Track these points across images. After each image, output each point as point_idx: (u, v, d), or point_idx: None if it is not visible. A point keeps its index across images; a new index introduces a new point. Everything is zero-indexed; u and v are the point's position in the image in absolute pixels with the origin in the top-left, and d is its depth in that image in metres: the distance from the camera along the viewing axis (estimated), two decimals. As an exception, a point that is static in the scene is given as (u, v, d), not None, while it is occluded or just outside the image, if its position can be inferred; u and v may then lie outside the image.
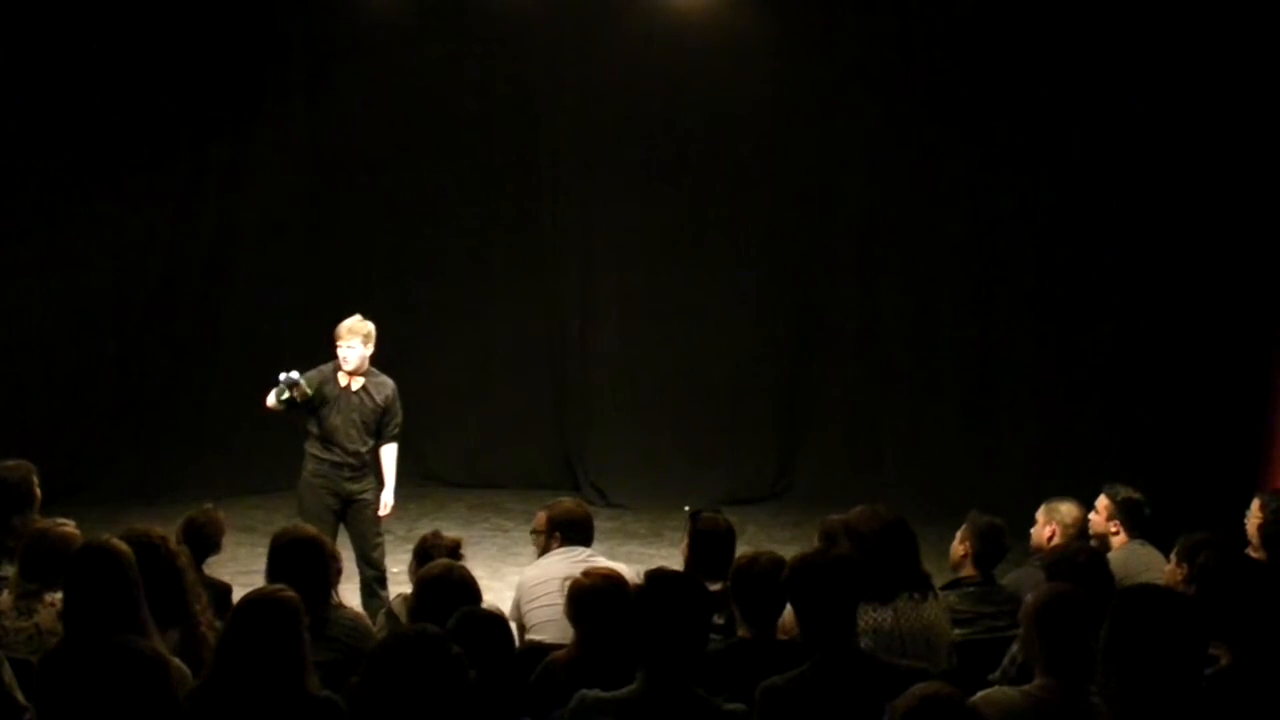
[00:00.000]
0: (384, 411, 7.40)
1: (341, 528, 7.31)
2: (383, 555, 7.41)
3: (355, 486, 7.35)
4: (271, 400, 7.28)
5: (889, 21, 10.35)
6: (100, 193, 10.13)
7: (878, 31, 10.38)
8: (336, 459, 7.32)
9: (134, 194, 10.26)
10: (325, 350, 10.78)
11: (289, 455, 10.60)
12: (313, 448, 7.42)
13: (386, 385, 7.43)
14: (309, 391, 7.24)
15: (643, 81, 10.55)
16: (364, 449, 7.39)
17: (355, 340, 7.28)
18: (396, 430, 7.47)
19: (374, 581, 7.31)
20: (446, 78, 10.65)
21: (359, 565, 7.19)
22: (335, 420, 7.32)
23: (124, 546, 4.18)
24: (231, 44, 10.29)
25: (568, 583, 4.53)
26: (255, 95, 10.51)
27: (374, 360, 7.42)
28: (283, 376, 7.22)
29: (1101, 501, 6.11)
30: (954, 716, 3.12)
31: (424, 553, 5.32)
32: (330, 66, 10.67)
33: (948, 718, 3.11)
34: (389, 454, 7.49)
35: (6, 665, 3.98)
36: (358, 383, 7.36)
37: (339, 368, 7.33)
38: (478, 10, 10.41)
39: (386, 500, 7.49)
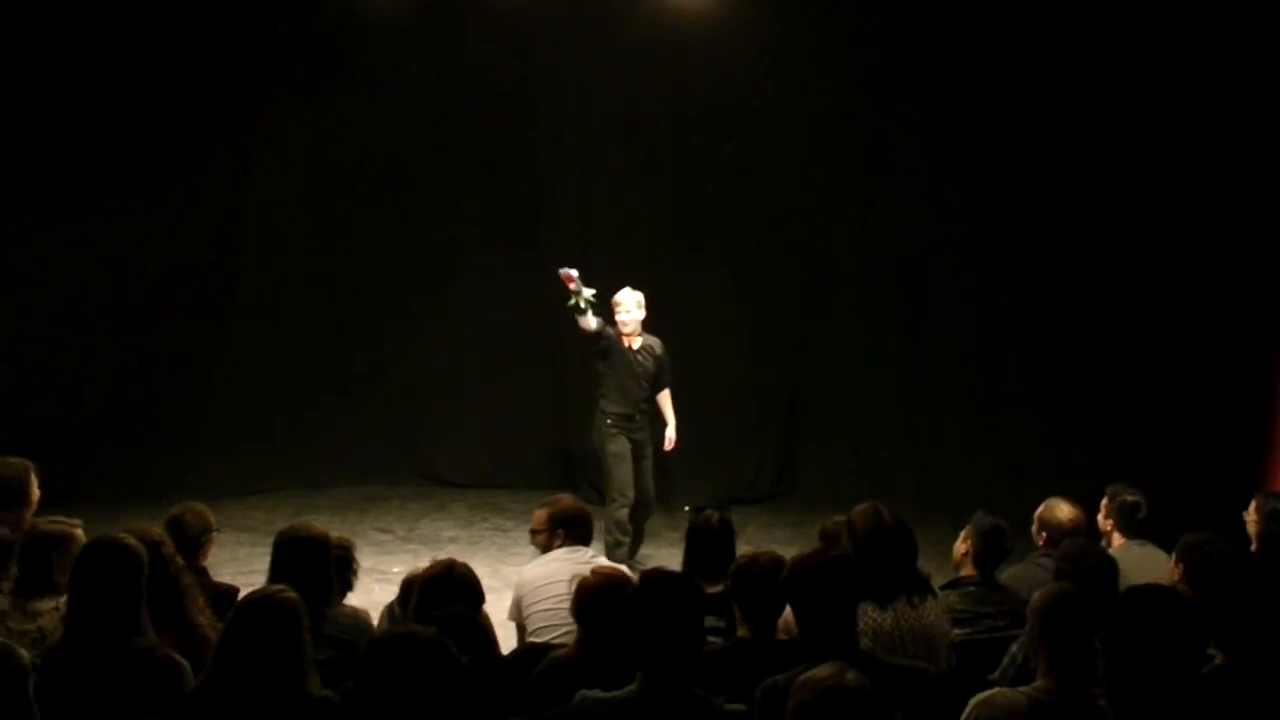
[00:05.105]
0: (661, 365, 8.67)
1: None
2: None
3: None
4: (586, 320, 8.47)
5: (889, 20, 10.34)
6: (101, 193, 10.12)
7: (878, 30, 10.36)
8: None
9: (134, 194, 10.25)
10: (324, 348, 10.92)
11: (289, 455, 10.71)
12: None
13: (658, 344, 8.70)
14: (587, 295, 8.43)
15: (643, 81, 10.54)
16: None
17: (632, 305, 8.53)
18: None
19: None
20: (446, 78, 10.64)
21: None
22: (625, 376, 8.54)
23: (137, 544, 4.13)
24: (232, 44, 10.27)
25: (576, 581, 4.53)
26: (255, 95, 10.50)
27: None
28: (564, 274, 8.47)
29: (1103, 502, 6.16)
30: (853, 709, 3.08)
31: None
32: (330, 66, 10.66)
33: (847, 710, 3.07)
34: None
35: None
36: (637, 343, 8.58)
37: (620, 333, 8.54)
38: (477, 10, 10.40)
39: (670, 435, 8.80)
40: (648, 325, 8.76)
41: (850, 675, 3.12)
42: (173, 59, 10.10)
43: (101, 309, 10.25)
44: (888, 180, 10.54)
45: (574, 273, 8.45)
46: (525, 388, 11.06)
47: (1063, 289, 10.21)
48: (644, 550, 8.84)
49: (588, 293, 8.47)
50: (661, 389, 8.77)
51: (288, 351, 10.78)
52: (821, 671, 3.15)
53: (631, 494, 8.53)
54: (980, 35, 10.10)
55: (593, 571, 4.60)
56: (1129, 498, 6.09)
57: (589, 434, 10.88)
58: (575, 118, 10.83)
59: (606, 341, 8.59)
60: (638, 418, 8.65)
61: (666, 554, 8.45)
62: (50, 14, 9.77)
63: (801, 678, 3.16)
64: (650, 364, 8.64)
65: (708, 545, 5.15)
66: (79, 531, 4.79)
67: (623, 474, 8.56)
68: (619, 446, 8.58)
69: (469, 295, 10.88)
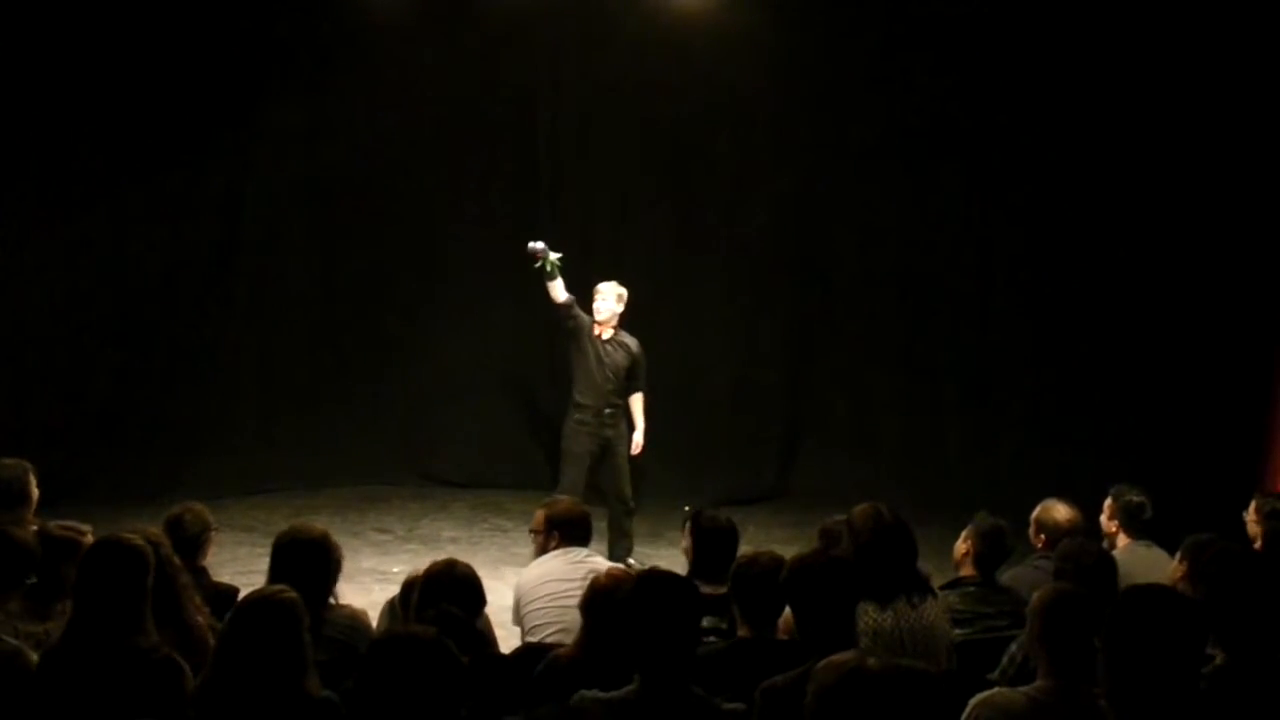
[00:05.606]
0: (633, 363, 8.47)
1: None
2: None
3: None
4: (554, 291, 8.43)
5: (889, 21, 10.35)
6: (100, 194, 10.11)
7: (877, 31, 10.39)
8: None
9: (134, 195, 10.24)
10: (324, 348, 10.92)
11: (289, 455, 10.70)
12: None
13: (634, 343, 8.50)
14: (553, 258, 8.40)
15: (643, 82, 10.56)
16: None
17: (611, 296, 8.43)
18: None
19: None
20: (446, 78, 10.65)
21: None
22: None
23: (144, 544, 4.11)
24: (232, 44, 10.27)
25: (583, 581, 4.53)
26: (255, 96, 10.50)
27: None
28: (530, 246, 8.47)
29: (1107, 502, 6.16)
30: (875, 692, 3.06)
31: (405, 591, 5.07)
32: (330, 66, 10.65)
33: (869, 694, 3.05)
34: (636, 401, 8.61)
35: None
36: (608, 333, 8.43)
37: (594, 322, 8.40)
38: (478, 9, 10.41)
39: (637, 440, 8.57)
40: (637, 323, 8.70)
41: (871, 660, 3.11)
42: (173, 58, 10.09)
43: (101, 309, 10.23)
44: (888, 181, 10.54)
45: (540, 245, 8.47)
46: (525, 388, 11.07)
47: (1062, 289, 10.21)
48: (644, 550, 8.84)
49: (554, 256, 8.46)
50: (635, 391, 8.59)
51: (288, 351, 10.78)
52: (841, 657, 3.12)
53: (578, 497, 8.19)
54: (979, 37, 10.10)
55: (607, 572, 4.60)
56: (1134, 498, 6.09)
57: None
58: (575, 118, 10.84)
59: (575, 321, 8.46)
60: (607, 412, 8.44)
61: (666, 554, 8.44)
62: (50, 13, 9.76)
63: (822, 663, 3.13)
64: (621, 359, 8.46)
65: (717, 544, 5.14)
66: (88, 539, 4.77)
67: (574, 475, 8.37)
68: (579, 446, 8.42)
69: (469, 295, 10.88)
